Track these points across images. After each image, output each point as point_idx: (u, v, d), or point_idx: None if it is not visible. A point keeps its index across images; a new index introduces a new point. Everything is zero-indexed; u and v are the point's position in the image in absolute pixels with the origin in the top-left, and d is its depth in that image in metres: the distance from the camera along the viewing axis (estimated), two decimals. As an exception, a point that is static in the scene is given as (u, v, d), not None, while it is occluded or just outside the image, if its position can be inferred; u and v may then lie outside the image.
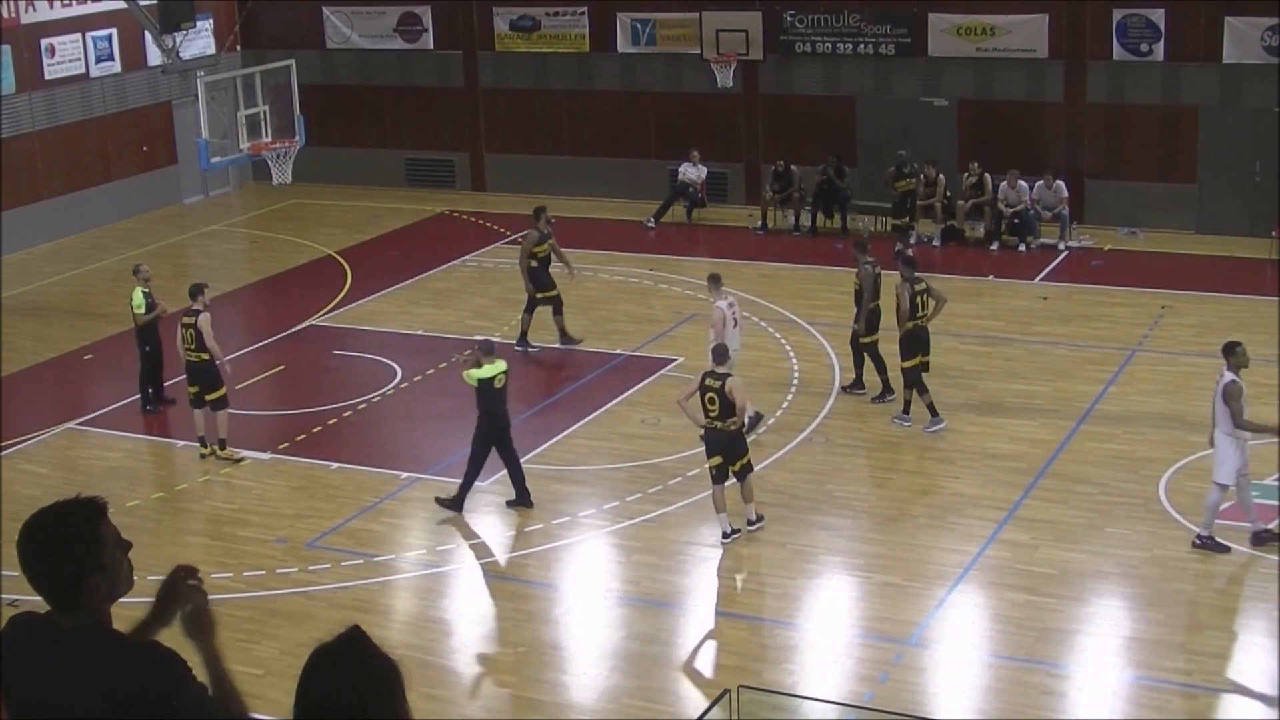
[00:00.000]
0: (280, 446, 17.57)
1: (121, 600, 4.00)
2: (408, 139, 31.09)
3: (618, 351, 20.45)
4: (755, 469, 15.27)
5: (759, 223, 26.78)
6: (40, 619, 3.90)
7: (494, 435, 15.36)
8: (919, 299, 17.16)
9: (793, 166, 26.51)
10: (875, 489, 16.07)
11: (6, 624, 4.02)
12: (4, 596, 11.18)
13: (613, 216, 27.37)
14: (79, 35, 28.37)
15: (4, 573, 12.20)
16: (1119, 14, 25.19)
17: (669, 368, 19.53)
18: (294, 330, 22.16)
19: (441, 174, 30.85)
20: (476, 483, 15.96)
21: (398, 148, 31.15)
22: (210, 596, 4.07)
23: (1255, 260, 23.42)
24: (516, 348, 20.26)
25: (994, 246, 24.79)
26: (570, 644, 13.17)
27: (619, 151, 29.19)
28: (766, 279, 23.53)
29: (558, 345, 20.55)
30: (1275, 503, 14.61)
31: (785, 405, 18.12)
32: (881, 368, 18.03)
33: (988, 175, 25.08)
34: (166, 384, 19.05)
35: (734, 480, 14.83)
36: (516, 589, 14.18)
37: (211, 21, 29.92)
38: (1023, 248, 24.58)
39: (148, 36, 26.44)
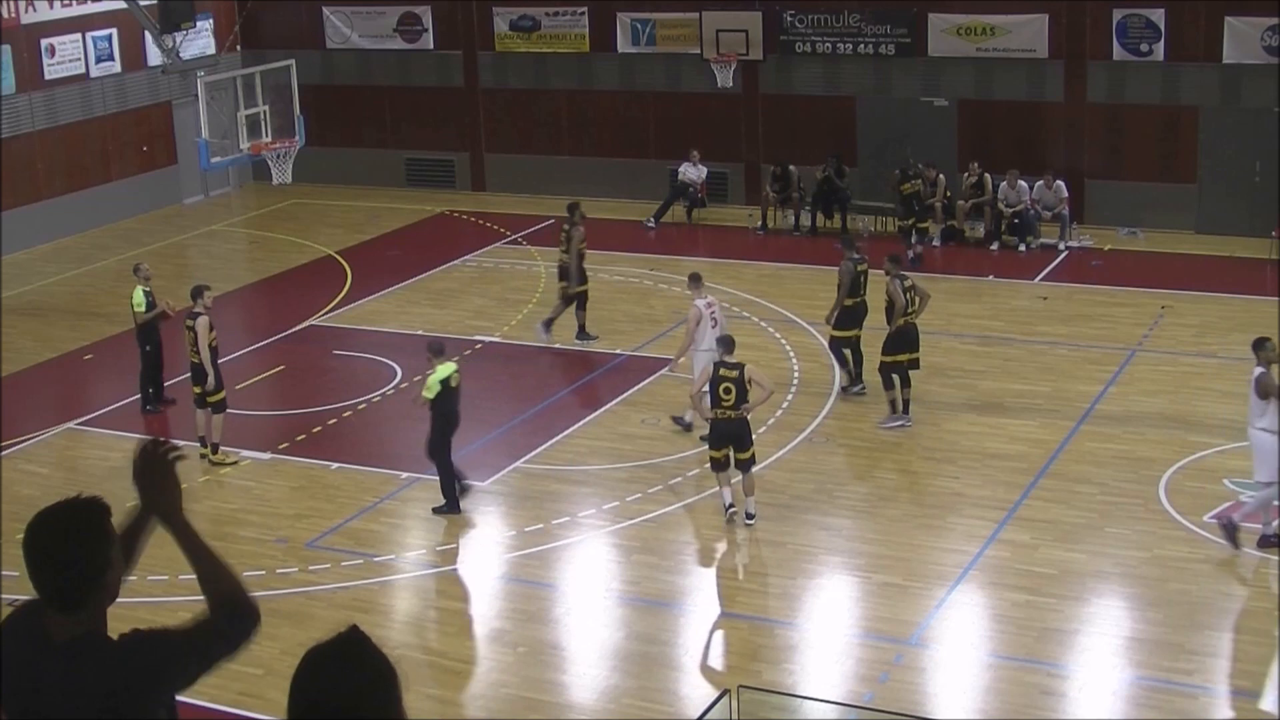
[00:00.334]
0: (280, 446, 17.57)
1: (121, 600, 4.00)
2: (408, 139, 31.09)
3: (618, 351, 20.45)
4: (755, 469, 15.32)
5: (759, 223, 26.78)
6: (33, 630, 3.89)
7: (450, 432, 15.33)
8: (908, 294, 17.24)
9: (791, 167, 26.52)
10: (875, 489, 16.07)
11: (4, 625, 4.01)
12: (4, 596, 11.18)
13: (613, 216, 27.36)
14: (79, 35, 28.38)
15: (4, 573, 12.22)
16: (1119, 14, 25.19)
17: (669, 368, 19.49)
18: (294, 330, 22.16)
19: (441, 174, 30.85)
20: (476, 483, 15.97)
21: (398, 148, 31.15)
22: (202, 597, 4.04)
23: (1255, 260, 23.42)
24: (577, 339, 20.68)
25: (994, 246, 24.79)
26: (570, 644, 13.16)
27: (619, 151, 29.19)
28: (766, 279, 23.53)
29: (574, 341, 20.68)
30: (1276, 502, 14.59)
31: (785, 405, 18.12)
32: (858, 360, 18.21)
33: (988, 175, 25.08)
34: (167, 384, 19.06)
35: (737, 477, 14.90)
36: (516, 589, 14.18)
37: (211, 21, 29.93)
38: (1023, 248, 24.58)
39: (148, 36, 26.45)
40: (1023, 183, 24.71)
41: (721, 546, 14.89)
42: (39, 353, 21.62)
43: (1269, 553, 13.86)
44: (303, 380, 20.21)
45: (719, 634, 13.32)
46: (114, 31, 28.89)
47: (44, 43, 27.71)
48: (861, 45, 26.90)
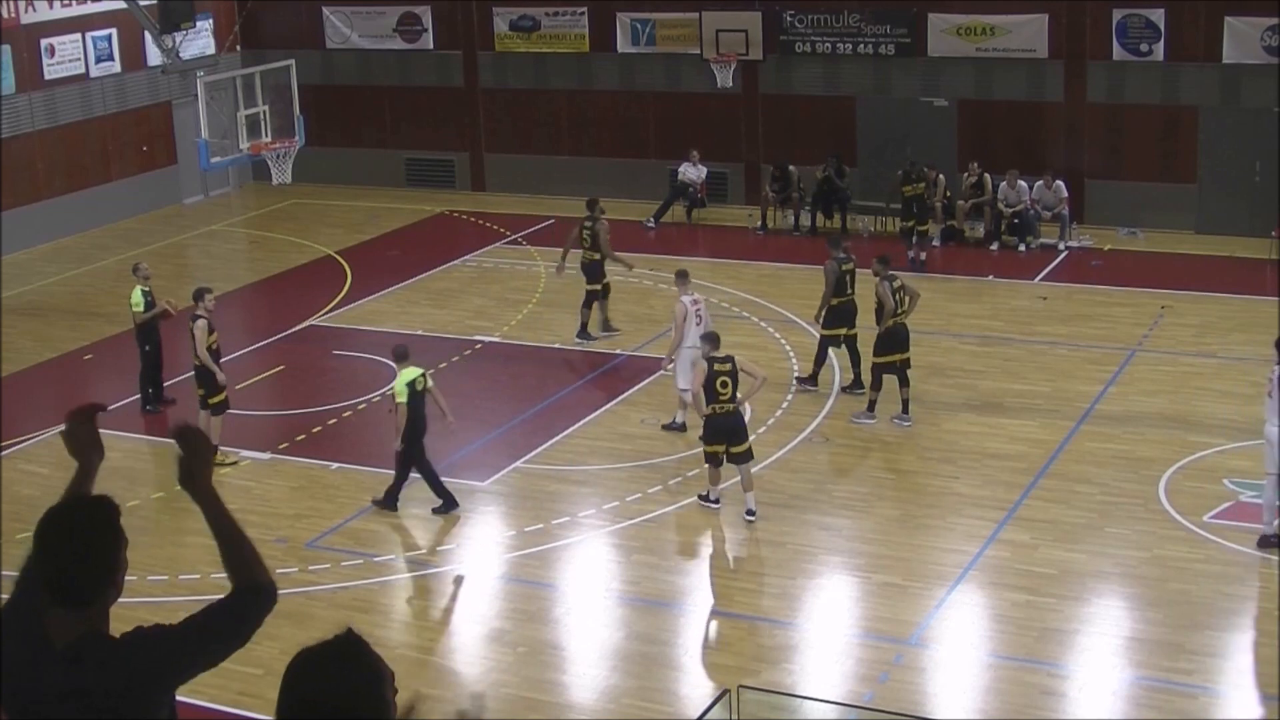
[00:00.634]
0: (280, 446, 17.57)
1: (121, 600, 4.00)
2: (408, 139, 31.09)
3: (618, 351, 20.45)
4: (755, 469, 15.39)
5: (759, 223, 26.79)
6: (33, 630, 3.88)
7: (419, 434, 15.30)
8: (897, 295, 17.28)
9: (791, 167, 26.52)
10: (875, 489, 16.07)
11: (4, 626, 4.01)
12: (4, 596, 11.17)
13: (613, 216, 27.22)
14: (79, 35, 28.38)
15: (4, 573, 12.22)
16: (1119, 14, 25.19)
17: (664, 365, 19.48)
18: (294, 330, 22.16)
19: (441, 174, 30.85)
20: (475, 483, 15.96)
21: (398, 148, 31.15)
22: (209, 599, 4.05)
23: (1255, 260, 23.41)
24: (602, 334, 20.81)
25: (994, 246, 24.79)
26: (570, 644, 13.16)
27: (619, 151, 29.19)
28: (766, 279, 23.54)
29: (593, 336, 20.85)
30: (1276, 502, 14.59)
31: (785, 405, 18.13)
32: (854, 360, 18.37)
33: (988, 175, 25.08)
34: (167, 384, 19.05)
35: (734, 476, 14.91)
36: (516, 589, 14.18)
37: (211, 21, 29.93)
38: (1023, 248, 24.58)
39: (148, 36, 26.45)
40: (1023, 183, 24.71)
41: (722, 546, 14.90)
42: (39, 353, 21.62)
43: (1269, 553, 13.85)
44: (303, 380, 20.21)
45: (719, 634, 13.32)
46: (114, 31, 28.89)
47: (44, 43, 27.71)
48: (861, 45, 26.91)
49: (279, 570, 14.31)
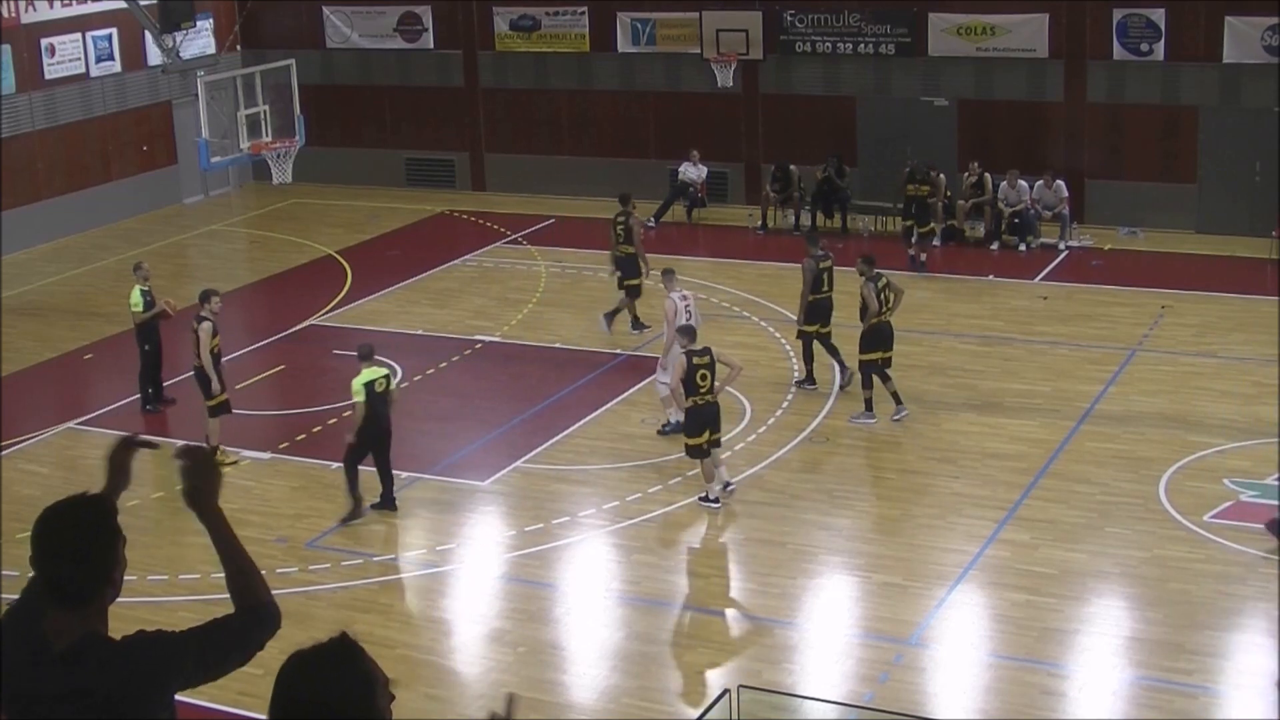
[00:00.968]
0: (280, 446, 17.57)
1: (121, 600, 4.00)
2: (408, 139, 31.09)
3: (618, 351, 20.45)
4: (755, 469, 15.63)
5: (759, 223, 26.78)
6: (33, 632, 3.88)
7: (374, 436, 15.28)
8: (882, 295, 17.33)
9: (791, 166, 26.52)
10: (875, 489, 16.08)
11: (4, 627, 4.01)
12: (4, 596, 11.17)
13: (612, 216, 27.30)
14: (79, 35, 28.37)
15: (4, 573, 12.20)
16: (1119, 14, 25.19)
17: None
18: (294, 330, 22.16)
19: (441, 174, 30.85)
20: (475, 483, 15.96)
21: (398, 148, 31.15)
22: (209, 599, 4.06)
23: (1255, 260, 23.41)
24: (633, 331, 20.83)
25: (994, 246, 24.78)
26: (570, 644, 13.17)
27: (619, 151, 29.18)
28: (766, 279, 23.52)
29: (630, 331, 20.96)
30: (1275, 502, 14.60)
31: (785, 405, 18.13)
32: (833, 354, 18.50)
33: (988, 175, 25.07)
34: (167, 383, 19.05)
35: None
36: (516, 589, 14.18)
37: (211, 21, 29.92)
38: (1023, 248, 24.58)
39: (148, 36, 26.44)
40: (1023, 182, 24.70)
41: (722, 547, 14.90)
42: (39, 353, 21.61)
43: (1268, 551, 13.85)
44: (303, 380, 20.20)
45: (719, 634, 13.31)
46: (114, 31, 28.88)
47: (44, 42, 27.71)
48: (861, 45, 26.90)
49: (279, 570, 14.32)
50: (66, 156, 28.43)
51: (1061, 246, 24.55)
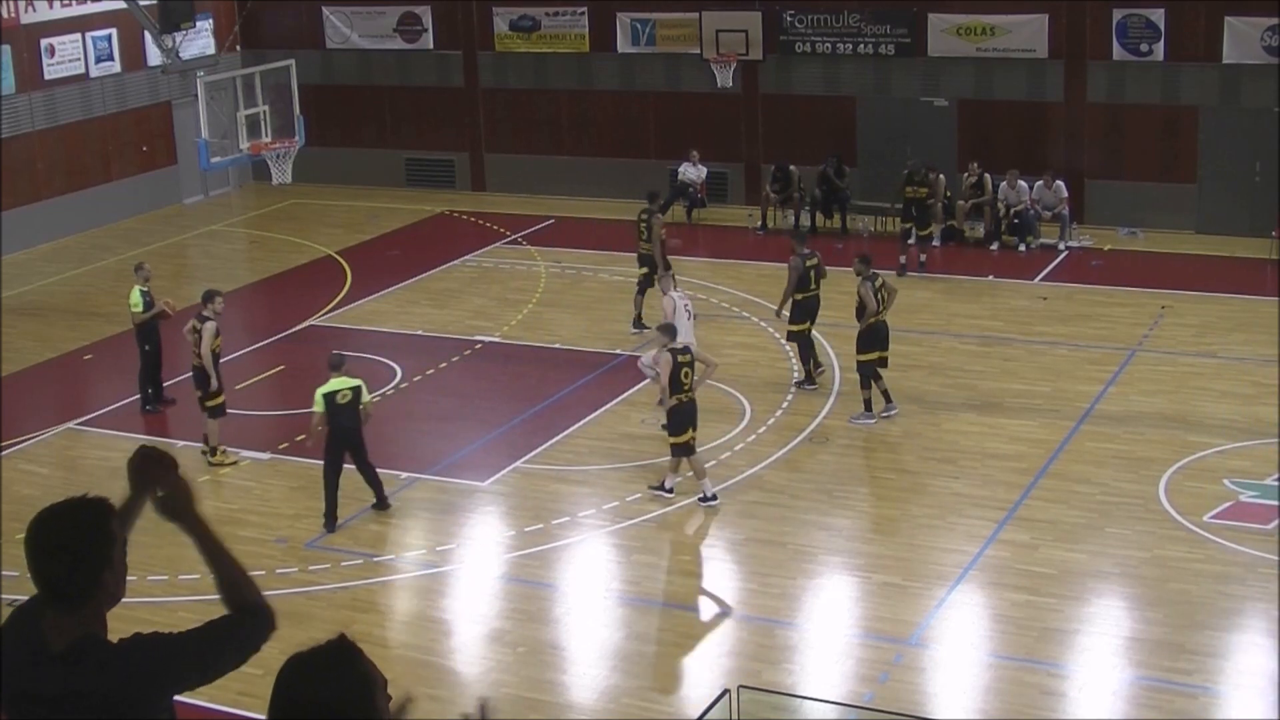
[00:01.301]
0: (280, 446, 17.57)
1: (124, 600, 4.00)
2: (408, 139, 31.09)
3: (617, 351, 20.44)
4: (755, 469, 15.64)
5: (759, 223, 26.78)
6: (32, 634, 3.88)
7: (338, 448, 15.25)
8: (879, 295, 17.37)
9: (791, 166, 26.51)
10: (875, 489, 16.08)
11: (4, 629, 4.01)
12: (4, 596, 11.17)
13: (613, 216, 27.34)
14: (79, 35, 28.37)
15: (4, 573, 12.21)
16: (1119, 14, 25.19)
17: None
18: (294, 330, 22.15)
19: (441, 174, 30.85)
20: (475, 483, 15.96)
21: (398, 148, 31.15)
22: (209, 599, 4.06)
23: (1255, 260, 23.41)
24: (633, 330, 20.82)
25: (994, 246, 24.78)
26: (570, 644, 13.17)
27: (619, 151, 29.18)
28: (766, 279, 23.47)
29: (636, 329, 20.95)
30: (1275, 502, 14.61)
31: (785, 405, 18.13)
32: (806, 358, 18.61)
33: (988, 175, 25.07)
34: (167, 384, 19.05)
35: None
36: (516, 589, 14.18)
37: (211, 21, 29.92)
38: (1023, 248, 24.57)
39: (148, 36, 26.44)
40: (1023, 183, 24.70)
41: (721, 547, 14.90)
42: (39, 353, 21.61)
43: (1268, 551, 13.85)
44: (303, 380, 20.11)
45: (719, 634, 13.31)
46: (114, 31, 28.88)
47: (44, 43, 27.70)
48: (861, 45, 26.90)
49: (279, 570, 14.34)
50: (66, 156, 28.43)
51: (1061, 247, 24.55)
